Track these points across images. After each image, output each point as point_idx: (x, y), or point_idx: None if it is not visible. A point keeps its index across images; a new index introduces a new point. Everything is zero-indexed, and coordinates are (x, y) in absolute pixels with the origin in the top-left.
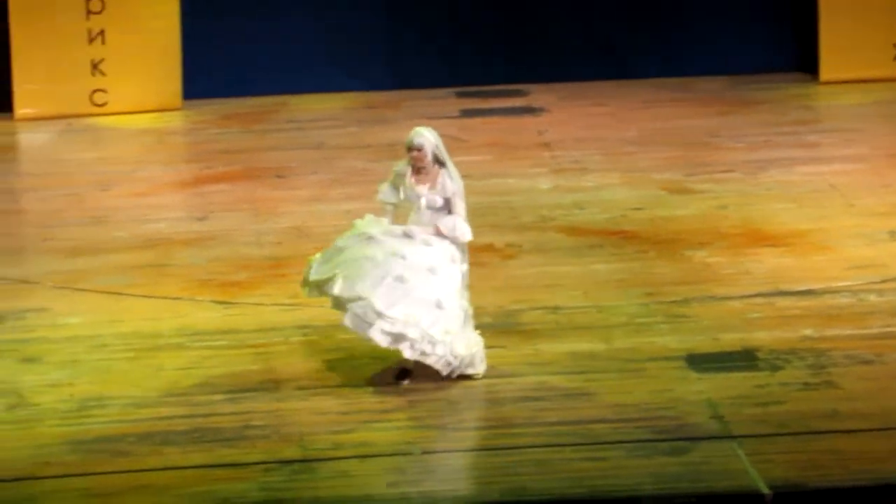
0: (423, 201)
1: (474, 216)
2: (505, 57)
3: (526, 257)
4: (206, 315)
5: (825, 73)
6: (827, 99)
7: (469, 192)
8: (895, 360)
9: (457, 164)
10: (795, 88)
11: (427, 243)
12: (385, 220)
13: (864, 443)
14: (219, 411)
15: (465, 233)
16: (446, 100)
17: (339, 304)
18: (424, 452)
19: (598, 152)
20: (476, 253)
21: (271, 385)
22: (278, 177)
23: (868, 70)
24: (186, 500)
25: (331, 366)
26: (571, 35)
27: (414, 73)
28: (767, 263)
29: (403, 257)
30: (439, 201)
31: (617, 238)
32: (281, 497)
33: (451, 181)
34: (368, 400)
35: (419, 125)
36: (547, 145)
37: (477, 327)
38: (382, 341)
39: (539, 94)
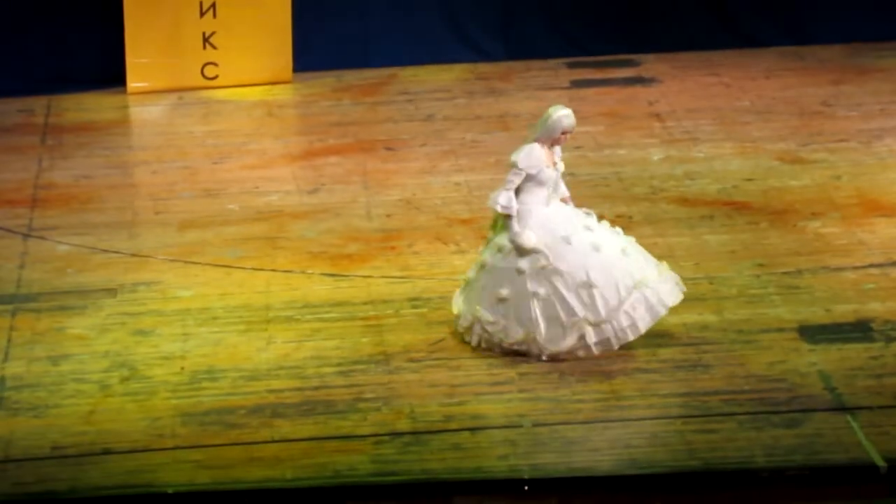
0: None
1: (585, 187)
2: (616, 27)
3: (637, 229)
4: (316, 288)
5: None
6: None
7: (580, 164)
8: None
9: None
10: None
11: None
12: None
13: None
14: (330, 384)
15: None
16: (557, 70)
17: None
18: (535, 425)
19: (710, 122)
20: None
21: (382, 358)
22: (388, 149)
23: None
24: (298, 472)
25: (443, 338)
26: (685, 3)
27: (525, 43)
28: (882, 234)
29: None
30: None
31: (729, 209)
32: (392, 469)
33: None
34: (479, 373)
35: (530, 96)
36: (658, 116)
37: None
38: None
39: (651, 64)
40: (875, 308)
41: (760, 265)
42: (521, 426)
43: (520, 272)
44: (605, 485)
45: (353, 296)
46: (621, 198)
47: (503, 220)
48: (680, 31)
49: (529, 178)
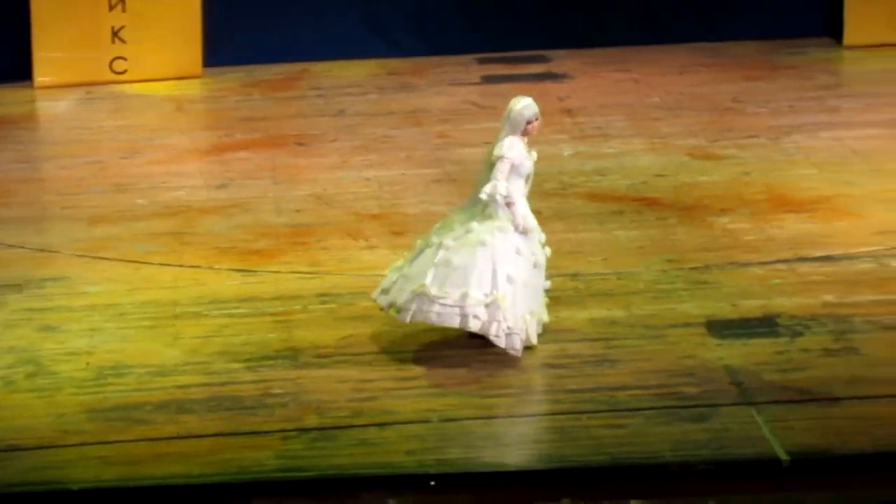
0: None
1: None
2: (528, 22)
3: (547, 224)
4: (225, 283)
5: (849, 37)
6: (851, 64)
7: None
8: None
9: (479, 131)
10: (820, 53)
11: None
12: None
13: (886, 409)
14: (238, 380)
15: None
16: (469, 66)
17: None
18: (443, 420)
19: (621, 118)
20: None
21: (290, 353)
22: (299, 144)
23: (892, 35)
24: (204, 468)
25: (351, 334)
26: (597, 0)
27: (437, 39)
28: (790, 229)
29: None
30: None
31: (638, 204)
32: (300, 465)
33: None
34: (388, 368)
35: (441, 92)
36: (569, 111)
37: None
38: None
39: (562, 60)
40: (782, 303)
41: (669, 261)
42: (429, 421)
43: (519, 252)
44: (513, 480)
45: (261, 291)
46: (532, 193)
47: (494, 209)
48: (591, 26)
49: (512, 169)
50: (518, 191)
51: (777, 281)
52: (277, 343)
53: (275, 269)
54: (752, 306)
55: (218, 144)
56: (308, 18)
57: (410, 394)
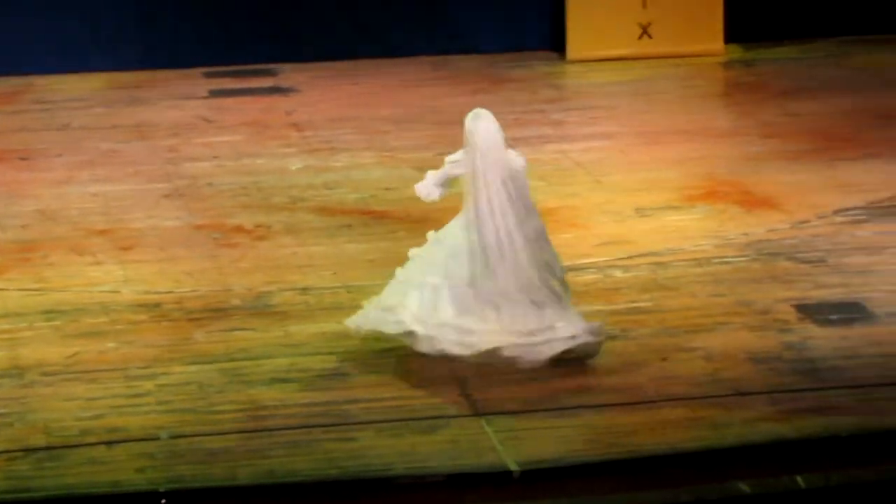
0: None
1: (224, 197)
2: (255, 36)
3: (276, 238)
4: None
5: (572, 52)
6: (575, 78)
7: (219, 173)
8: (642, 335)
9: (206, 145)
10: (545, 67)
11: None
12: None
13: (613, 418)
14: None
15: None
16: (196, 80)
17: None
18: (173, 437)
19: (349, 132)
20: (227, 234)
21: (16, 372)
22: (22, 159)
23: (614, 49)
24: None
25: (78, 351)
26: (325, 13)
27: (164, 52)
28: None
29: None
30: None
31: (368, 218)
32: (26, 486)
33: None
34: (116, 385)
35: (169, 106)
36: (297, 125)
37: (227, 310)
38: None
39: (291, 74)
40: None
41: None
42: (158, 438)
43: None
44: (245, 495)
45: None
46: (261, 207)
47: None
48: (319, 40)
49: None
50: None
51: None
52: (3, 362)
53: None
54: None
55: None
56: (30, 32)
57: (139, 410)
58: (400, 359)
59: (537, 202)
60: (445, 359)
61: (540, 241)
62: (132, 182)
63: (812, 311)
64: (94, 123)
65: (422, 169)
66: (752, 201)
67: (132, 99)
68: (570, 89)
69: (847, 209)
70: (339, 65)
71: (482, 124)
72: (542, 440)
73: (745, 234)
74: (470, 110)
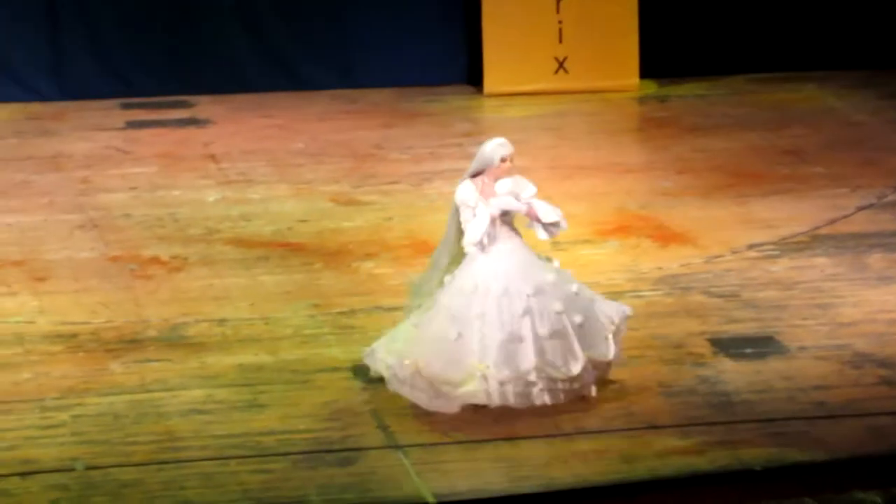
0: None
1: (140, 228)
2: (170, 68)
3: (192, 270)
4: None
5: (489, 86)
6: (491, 112)
7: (135, 205)
8: None
9: (123, 177)
10: (460, 101)
11: None
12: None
13: (528, 450)
14: None
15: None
16: (111, 111)
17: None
18: (88, 468)
19: (264, 164)
20: (142, 265)
21: None
22: None
23: (531, 83)
24: None
25: None
26: (240, 46)
27: (78, 83)
28: None
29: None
30: None
31: (284, 250)
32: None
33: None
34: (30, 416)
35: (83, 137)
36: (213, 157)
37: (143, 341)
38: None
39: (205, 106)
40: None
41: (315, 305)
42: (73, 469)
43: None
44: None
45: None
46: (177, 238)
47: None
48: (233, 73)
49: (470, 211)
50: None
51: None
52: None
53: None
54: None
55: None
56: None
57: (54, 442)
58: (316, 391)
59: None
60: (363, 390)
61: None
62: (46, 213)
63: (725, 346)
64: (6, 154)
65: (337, 202)
66: (666, 236)
67: (46, 130)
68: (486, 123)
69: (759, 244)
70: (254, 97)
71: (489, 145)
72: (459, 472)
73: (659, 269)
74: (384, 143)
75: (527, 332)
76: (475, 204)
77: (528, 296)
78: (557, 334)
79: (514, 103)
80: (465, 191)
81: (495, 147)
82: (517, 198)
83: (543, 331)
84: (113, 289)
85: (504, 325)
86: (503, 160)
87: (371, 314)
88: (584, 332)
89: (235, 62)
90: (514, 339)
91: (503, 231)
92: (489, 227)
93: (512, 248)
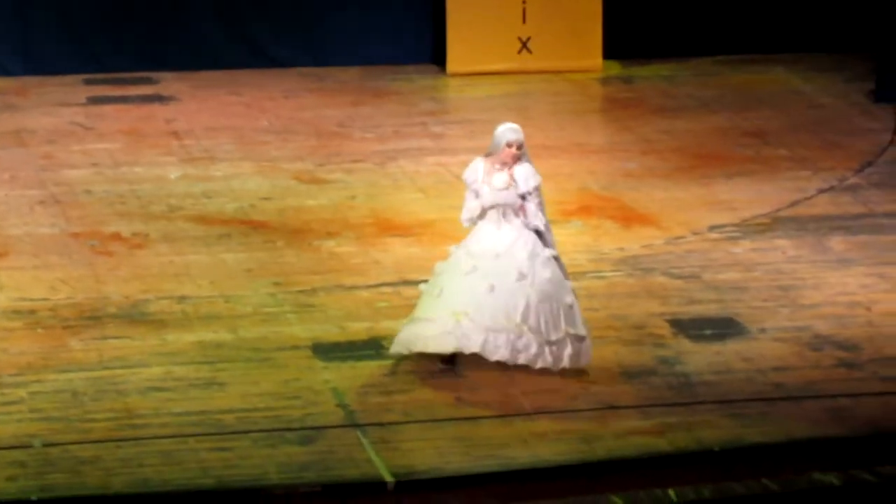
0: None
1: (102, 205)
2: (135, 44)
3: (153, 246)
4: None
5: (452, 65)
6: (455, 91)
7: (97, 181)
8: None
9: (84, 153)
10: (425, 80)
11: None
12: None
13: (488, 429)
14: None
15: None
16: (75, 87)
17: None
18: (46, 445)
19: (229, 141)
20: (103, 242)
21: None
22: None
23: (494, 63)
24: None
25: None
26: (205, 23)
27: (42, 59)
28: (395, 253)
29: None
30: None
31: (245, 227)
32: None
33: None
34: None
35: (46, 112)
36: (176, 134)
37: (103, 318)
38: None
39: (170, 83)
40: (388, 326)
41: (276, 284)
42: (31, 446)
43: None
44: None
45: None
46: (138, 215)
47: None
48: (199, 50)
49: (472, 192)
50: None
51: (383, 304)
52: None
53: None
54: (358, 329)
55: None
56: None
57: (11, 419)
58: (276, 369)
59: (416, 214)
60: (323, 369)
61: None
62: (7, 188)
63: (686, 327)
64: None
65: (301, 180)
66: (628, 217)
67: (8, 105)
68: (450, 102)
69: (721, 226)
70: (219, 74)
71: (501, 127)
72: (417, 451)
73: (621, 250)
74: (349, 122)
75: (520, 294)
76: (475, 184)
77: (524, 260)
78: (547, 299)
79: (478, 83)
80: (469, 170)
81: (505, 131)
82: (519, 186)
83: (534, 296)
84: (73, 265)
85: (498, 284)
86: (508, 145)
87: (332, 293)
88: (573, 313)
89: (202, 39)
90: (508, 294)
91: (509, 214)
92: (478, 214)
93: (517, 226)
